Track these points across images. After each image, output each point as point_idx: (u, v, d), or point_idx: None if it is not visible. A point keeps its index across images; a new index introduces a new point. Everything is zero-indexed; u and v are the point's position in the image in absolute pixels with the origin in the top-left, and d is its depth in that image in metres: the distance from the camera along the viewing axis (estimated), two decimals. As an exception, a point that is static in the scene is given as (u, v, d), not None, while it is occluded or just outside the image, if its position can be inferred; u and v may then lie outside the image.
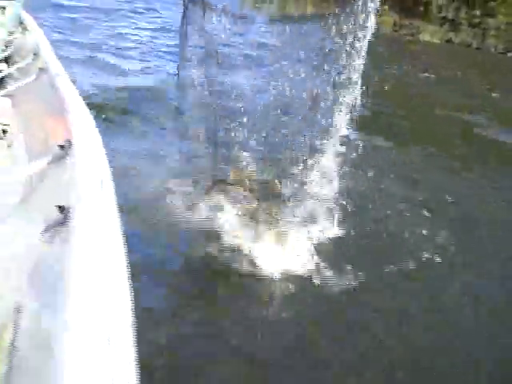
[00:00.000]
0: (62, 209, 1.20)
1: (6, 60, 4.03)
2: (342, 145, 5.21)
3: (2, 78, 3.40)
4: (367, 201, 5.55)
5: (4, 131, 2.46)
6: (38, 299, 1.10)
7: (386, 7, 20.03)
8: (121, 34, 14.48)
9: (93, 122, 1.68)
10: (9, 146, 2.24)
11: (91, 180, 1.23)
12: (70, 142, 1.52)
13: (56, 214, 1.20)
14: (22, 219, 1.58)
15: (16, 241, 1.20)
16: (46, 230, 1.20)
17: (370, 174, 6.17)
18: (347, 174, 5.32)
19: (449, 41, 22.44)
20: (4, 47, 3.98)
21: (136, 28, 15.84)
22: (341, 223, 4.93)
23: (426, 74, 15.59)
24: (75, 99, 1.89)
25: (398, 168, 6.85)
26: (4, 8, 4.43)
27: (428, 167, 7.23)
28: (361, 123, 6.74)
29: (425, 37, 22.47)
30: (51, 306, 1.00)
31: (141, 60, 11.64)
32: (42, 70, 2.67)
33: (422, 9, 21.85)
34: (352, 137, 6.30)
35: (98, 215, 1.09)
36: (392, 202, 5.77)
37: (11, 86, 2.96)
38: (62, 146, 1.54)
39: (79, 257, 0.97)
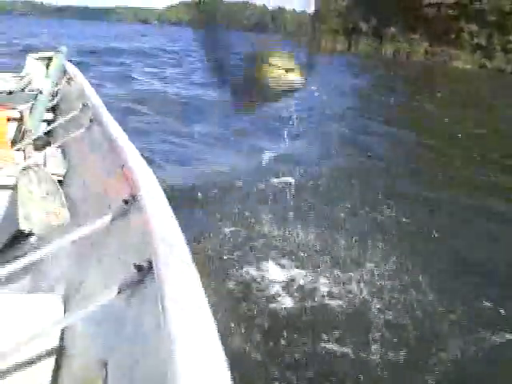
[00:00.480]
0: (138, 267, 1.17)
1: (54, 110, 4.14)
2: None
3: (51, 129, 3.47)
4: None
5: (60, 182, 2.48)
6: (123, 355, 1.11)
7: (418, 36, 20.05)
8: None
9: (153, 175, 1.64)
10: (66, 198, 2.24)
11: (163, 236, 1.19)
12: (134, 197, 1.49)
13: (133, 272, 1.18)
14: (96, 277, 1.56)
15: (93, 299, 1.18)
16: (123, 287, 1.18)
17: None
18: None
19: (482, 66, 22.24)
20: (51, 97, 4.09)
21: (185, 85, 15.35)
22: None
23: (459, 100, 15.40)
24: (131, 151, 1.86)
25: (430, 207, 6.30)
26: (50, 59, 4.59)
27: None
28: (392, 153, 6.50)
29: (458, 63, 22.33)
30: (136, 362, 1.03)
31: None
32: (92, 120, 2.68)
33: (453, 36, 21.80)
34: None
35: (176, 272, 1.06)
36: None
37: (63, 137, 2.99)
38: (125, 201, 1.52)
39: (160, 314, 0.94)
